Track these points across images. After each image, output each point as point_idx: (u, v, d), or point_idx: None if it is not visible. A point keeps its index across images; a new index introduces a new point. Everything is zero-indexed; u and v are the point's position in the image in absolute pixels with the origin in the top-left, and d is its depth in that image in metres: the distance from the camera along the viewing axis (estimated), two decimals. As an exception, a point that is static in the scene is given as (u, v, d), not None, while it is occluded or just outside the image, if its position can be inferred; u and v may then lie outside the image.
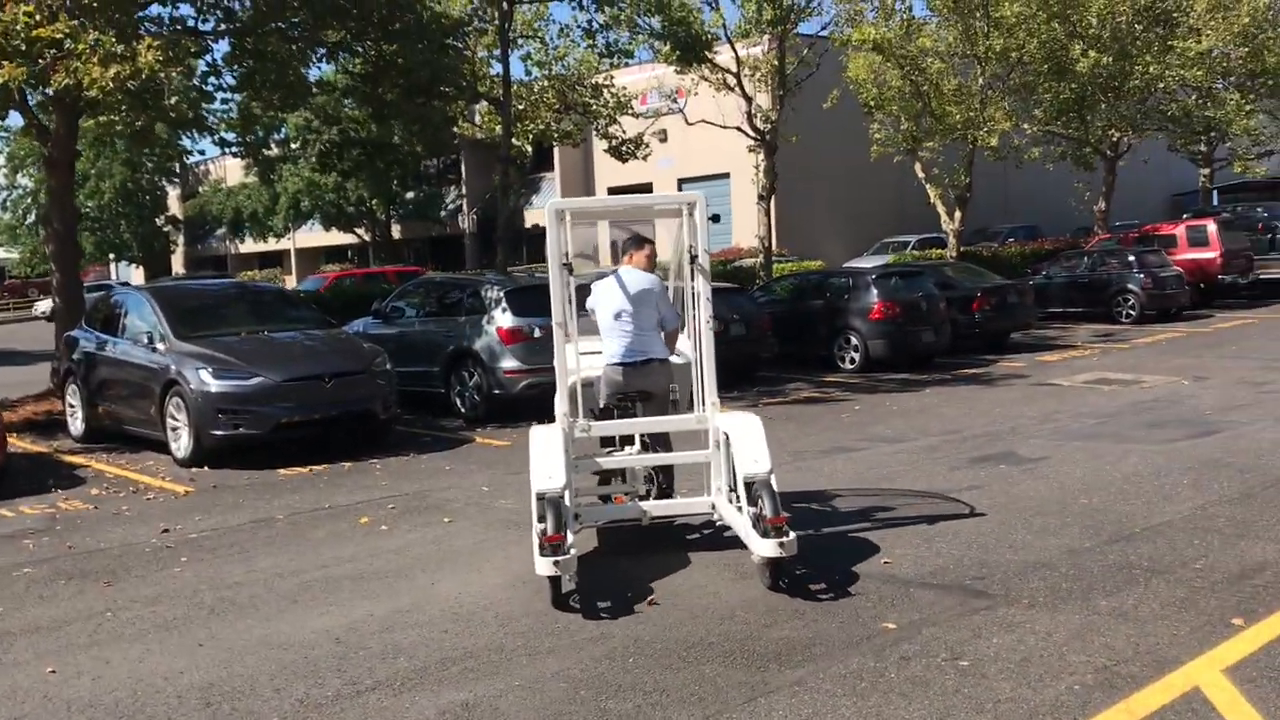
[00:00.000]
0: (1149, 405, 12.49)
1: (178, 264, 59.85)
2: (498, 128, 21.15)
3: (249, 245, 53.52)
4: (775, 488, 6.13)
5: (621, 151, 21.04)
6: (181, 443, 11.01)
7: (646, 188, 36.49)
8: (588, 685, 4.88)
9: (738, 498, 6.45)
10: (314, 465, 10.77)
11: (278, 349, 11.62)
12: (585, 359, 7.09)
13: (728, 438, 6.64)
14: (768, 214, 22.63)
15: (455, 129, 22.46)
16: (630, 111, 21.33)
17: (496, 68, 20.49)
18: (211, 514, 8.92)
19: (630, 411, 7.14)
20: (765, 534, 5.88)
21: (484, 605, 6.12)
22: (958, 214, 26.50)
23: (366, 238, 45.25)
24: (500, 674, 5.09)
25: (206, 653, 5.61)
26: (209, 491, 9.85)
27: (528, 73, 20.90)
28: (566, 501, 6.19)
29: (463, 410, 13.60)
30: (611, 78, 21.53)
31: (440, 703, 4.80)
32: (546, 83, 20.63)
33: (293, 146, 38.81)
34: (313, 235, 49.72)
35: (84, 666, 5.50)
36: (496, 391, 13.13)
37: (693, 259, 6.79)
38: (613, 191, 38.52)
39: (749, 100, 22.16)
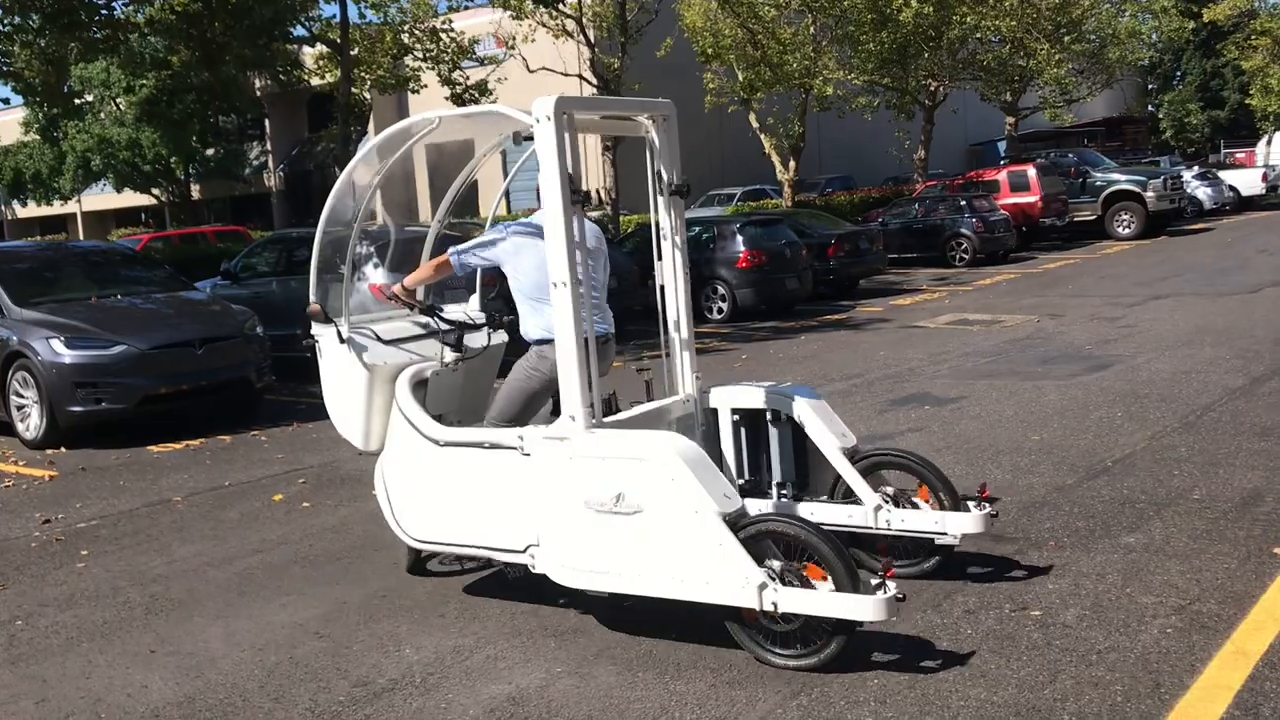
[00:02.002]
0: (1026, 342, 12.74)
1: (-57, 230, 54.64)
2: (328, 74, 19.86)
3: (30, 209, 49.24)
4: None
5: (464, 99, 20.14)
6: (31, 422, 9.78)
7: (467, 142, 35.36)
8: (641, 665, 4.40)
9: (824, 486, 5.23)
10: (188, 440, 9.75)
11: (138, 314, 10.47)
12: (390, 350, 5.36)
13: (783, 417, 5.19)
14: (614, 165, 22.16)
15: (297, 73, 20.94)
16: (473, 56, 20.44)
17: (327, 10, 19.22)
18: (92, 500, 7.89)
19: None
20: (962, 507, 4.92)
21: (475, 587, 5.51)
22: (792, 164, 26.74)
23: (163, 198, 42.28)
24: (534, 660, 4.54)
25: (164, 660, 4.83)
26: (77, 475, 8.75)
27: (361, 15, 19.68)
28: None
29: (335, 375, 12.63)
30: (450, 21, 20.53)
31: (481, 698, 4.22)
32: (384, 26, 19.46)
33: (77, 100, 35.67)
34: (102, 197, 46.12)
35: (18, 688, 4.64)
36: (375, 353, 12.24)
37: (676, 190, 5.22)
38: (431, 146, 37.16)
39: (591, 47, 21.57)
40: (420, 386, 5.32)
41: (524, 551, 4.76)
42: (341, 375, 5.37)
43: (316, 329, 5.42)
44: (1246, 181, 37.56)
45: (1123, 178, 27.92)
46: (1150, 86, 60.20)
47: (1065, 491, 6.38)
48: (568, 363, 4.54)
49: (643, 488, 4.31)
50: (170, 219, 43.03)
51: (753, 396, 5.29)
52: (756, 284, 16.85)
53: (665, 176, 5.17)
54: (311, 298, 5.33)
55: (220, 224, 35.87)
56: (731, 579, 4.15)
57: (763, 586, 4.10)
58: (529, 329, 5.17)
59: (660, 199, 5.21)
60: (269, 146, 43.70)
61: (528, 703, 4.15)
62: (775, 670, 4.23)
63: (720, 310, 17.04)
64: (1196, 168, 36.27)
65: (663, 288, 5.21)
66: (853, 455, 5.10)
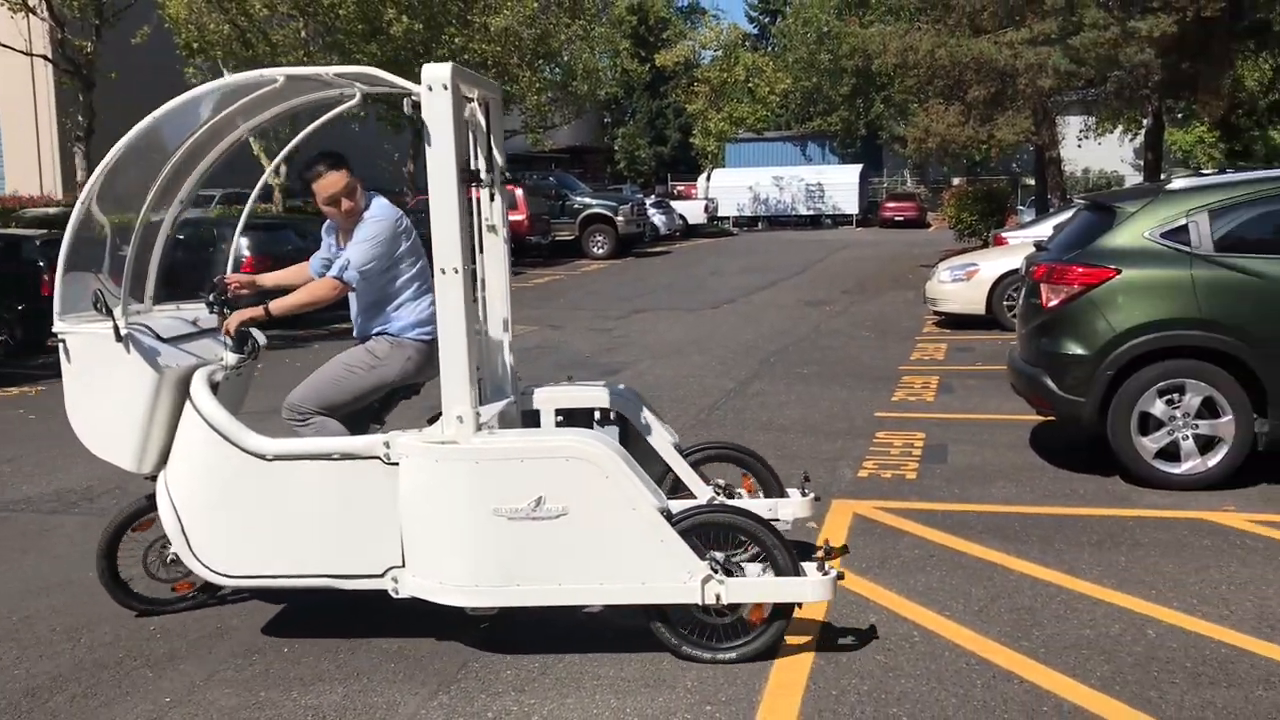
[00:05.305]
0: (539, 351, 13.45)
1: None
2: None
3: None
4: None
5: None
6: None
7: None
8: (261, 684, 4.17)
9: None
10: None
11: None
12: (174, 350, 4.61)
13: (611, 415, 5.12)
14: (86, 157, 20.19)
15: None
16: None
17: None
18: None
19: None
20: (787, 494, 5.28)
21: (27, 610, 4.87)
22: (283, 169, 25.93)
23: None
24: (134, 694, 4.14)
25: None
26: None
27: None
28: None
29: None
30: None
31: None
32: None
33: None
34: None
35: None
36: None
37: (509, 179, 5.08)
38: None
39: (61, 26, 19.49)
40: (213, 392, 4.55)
41: (383, 575, 4.30)
42: (111, 381, 4.48)
43: (65, 324, 4.50)
44: (693, 211, 42.47)
45: (596, 202, 30.34)
46: (606, 120, 65.59)
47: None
48: (456, 359, 4.15)
49: (570, 488, 4.08)
50: None
51: (576, 396, 5.18)
52: (261, 291, 16.16)
53: (491, 162, 4.81)
54: (57, 287, 4.44)
55: None
56: (673, 576, 4.08)
57: (706, 580, 4.06)
58: (399, 319, 4.84)
59: (484, 187, 4.82)
60: None
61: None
62: (407, 673, 4.22)
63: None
64: (655, 196, 40.26)
65: (483, 281, 4.85)
66: (681, 450, 5.17)
